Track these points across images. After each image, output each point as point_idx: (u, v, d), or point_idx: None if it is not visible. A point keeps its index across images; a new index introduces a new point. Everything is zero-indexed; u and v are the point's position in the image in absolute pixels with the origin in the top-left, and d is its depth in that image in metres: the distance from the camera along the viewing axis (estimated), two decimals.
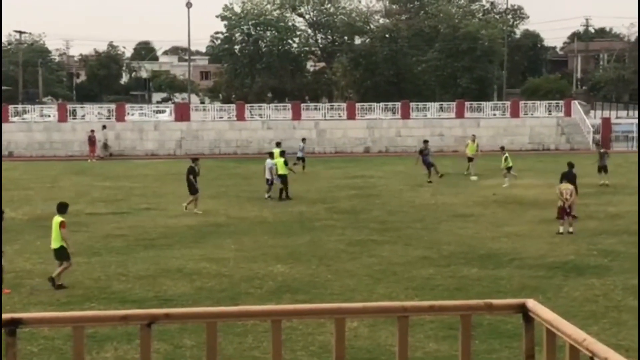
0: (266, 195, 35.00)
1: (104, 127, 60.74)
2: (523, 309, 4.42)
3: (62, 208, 19.98)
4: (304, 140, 52.55)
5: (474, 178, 41.97)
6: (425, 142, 44.77)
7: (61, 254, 19.28)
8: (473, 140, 46.58)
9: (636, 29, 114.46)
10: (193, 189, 31.47)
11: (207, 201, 34.01)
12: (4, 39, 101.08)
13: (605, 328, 15.67)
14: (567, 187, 26.36)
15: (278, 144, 44.62)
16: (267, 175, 35.40)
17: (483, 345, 14.08)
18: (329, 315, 4.60)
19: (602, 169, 40.47)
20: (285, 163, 35.76)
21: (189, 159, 34.78)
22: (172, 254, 23.20)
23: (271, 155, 37.62)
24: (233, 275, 20.49)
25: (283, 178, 35.18)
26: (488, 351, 13.94)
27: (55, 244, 19.42)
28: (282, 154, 37.39)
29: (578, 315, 16.18)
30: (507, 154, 41.37)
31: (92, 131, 58.75)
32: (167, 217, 30.20)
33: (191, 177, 31.72)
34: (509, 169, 40.40)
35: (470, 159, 44.90)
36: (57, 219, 19.49)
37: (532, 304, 4.41)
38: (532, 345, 4.45)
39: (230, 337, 14.61)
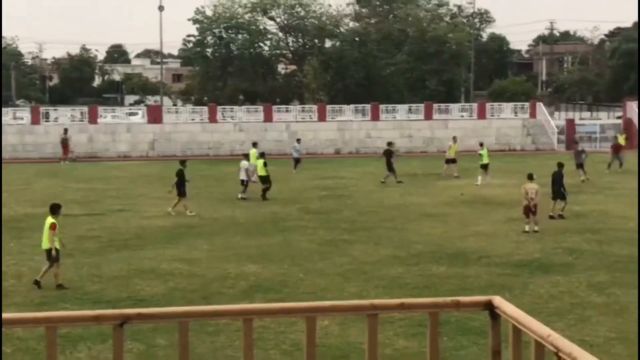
0: (239, 196, 34.93)
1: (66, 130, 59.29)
2: (489, 306, 4.43)
3: (54, 209, 19.86)
4: (298, 140, 52.37)
5: (483, 181, 40.47)
6: (390, 144, 44.15)
7: (50, 255, 19.16)
8: (455, 142, 46.42)
9: (600, 32, 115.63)
10: (182, 191, 31.26)
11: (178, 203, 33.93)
12: None
13: (570, 324, 15.78)
14: (532, 186, 26.52)
15: (254, 145, 44.52)
16: (242, 177, 35.33)
17: (451, 342, 14.15)
18: (300, 314, 4.60)
19: (579, 166, 40.98)
20: (265, 164, 35.64)
21: (178, 161, 34.43)
22: (145, 254, 23.09)
23: (246, 156, 37.57)
24: (205, 275, 20.44)
25: (263, 179, 35.11)
26: (456, 348, 14.01)
27: (45, 244, 19.33)
28: (262, 155, 37.48)
29: (543, 312, 16.29)
30: (486, 149, 41.76)
31: (65, 133, 58.27)
32: (141, 219, 30.06)
33: (178, 179, 31.40)
34: (484, 166, 40.57)
35: (452, 161, 44.46)
36: (49, 220, 19.41)
37: (498, 301, 4.43)
38: (498, 341, 4.47)
39: (203, 336, 14.59)
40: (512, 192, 33.11)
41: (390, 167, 41.18)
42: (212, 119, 64.37)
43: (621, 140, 50.17)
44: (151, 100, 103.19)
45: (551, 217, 28.69)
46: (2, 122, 61.62)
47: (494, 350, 4.49)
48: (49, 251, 19.21)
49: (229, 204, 33.73)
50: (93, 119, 63.80)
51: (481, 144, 43.38)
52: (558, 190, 29.33)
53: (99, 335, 13.92)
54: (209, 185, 41.15)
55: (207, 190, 38.62)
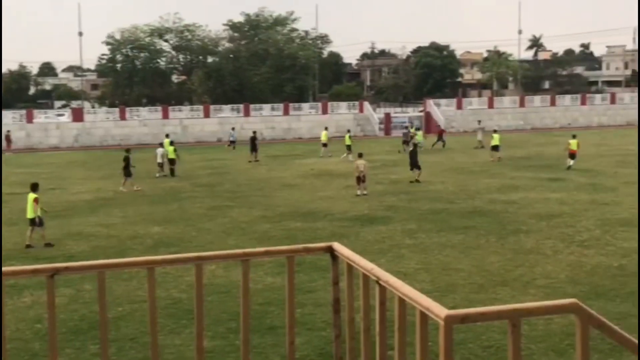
0: (157, 175, 34.25)
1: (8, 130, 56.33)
2: (330, 250, 4.50)
3: (34, 187, 19.60)
4: (233, 129, 55.09)
5: (344, 156, 40.80)
6: (254, 132, 44.96)
7: (34, 222, 18.91)
8: (326, 129, 47.24)
9: (406, 50, 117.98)
10: (127, 172, 30.36)
11: (98, 182, 32.93)
12: None
13: (390, 260, 16.17)
14: (361, 162, 26.95)
15: (167, 136, 44.14)
16: (159, 160, 34.60)
17: (306, 276, 14.29)
18: (190, 262, 4.56)
19: (405, 142, 44.63)
20: (175, 150, 35.52)
21: (124, 150, 33.51)
22: (73, 222, 22.35)
23: (161, 144, 36.92)
24: (120, 236, 19.95)
25: (172, 161, 34.83)
26: (310, 281, 14.16)
27: (30, 214, 19.10)
28: (172, 143, 37.74)
29: (371, 252, 16.63)
30: (351, 134, 42.55)
31: (9, 131, 55.68)
32: (69, 195, 29.03)
33: (125, 163, 30.63)
34: (349, 147, 41.01)
35: (324, 145, 44.97)
36: (32, 195, 19.22)
37: (336, 246, 4.49)
38: (337, 274, 4.55)
39: (119, 282, 14.27)
40: (348, 166, 33.61)
41: (254, 149, 42.00)
42: (122, 117, 62.73)
43: (418, 135, 51.51)
44: (75, 104, 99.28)
45: (411, 182, 29.62)
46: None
47: (334, 282, 4.57)
48: (32, 220, 18.95)
49: (136, 181, 32.90)
50: (30, 119, 61.07)
51: (348, 131, 44.19)
52: (415, 163, 30.39)
53: (38, 284, 13.40)
54: (121, 167, 40.03)
55: (120, 171, 37.58)
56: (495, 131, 42.24)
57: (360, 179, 26.67)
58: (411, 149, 31.90)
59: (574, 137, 34.98)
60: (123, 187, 29.86)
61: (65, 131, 60.76)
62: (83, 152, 53.08)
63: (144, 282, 14.89)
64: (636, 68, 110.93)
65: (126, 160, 30.61)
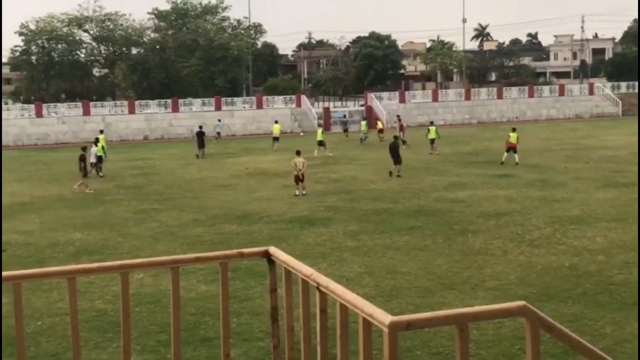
0: (100, 175, 33.97)
1: None
2: (267, 255, 4.49)
3: None
4: (219, 120, 57.66)
5: (320, 153, 40.92)
6: (200, 126, 46.49)
7: None
8: (277, 123, 49.77)
9: (345, 40, 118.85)
10: (84, 173, 30.07)
11: (13, 185, 32.11)
12: None
13: (331, 264, 16.25)
14: (300, 160, 26.97)
15: (101, 132, 45.48)
16: (92, 160, 33.49)
17: (242, 283, 14.25)
18: (114, 271, 4.48)
19: (345, 131, 49.62)
20: (102, 147, 35.81)
21: (80, 147, 32.79)
22: None
23: (96, 142, 36.06)
24: (38, 244, 19.52)
25: (100, 159, 34.68)
26: (246, 288, 14.13)
27: None
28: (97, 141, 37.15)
29: (312, 256, 16.69)
30: (321, 130, 43.57)
31: None
32: None
33: (82, 163, 30.17)
34: (321, 142, 41.21)
35: (276, 138, 47.00)
36: None
37: (273, 250, 4.48)
38: (274, 280, 4.54)
39: (39, 294, 13.97)
40: (284, 165, 33.60)
41: (202, 145, 43.25)
42: (39, 114, 61.33)
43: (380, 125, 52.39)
44: None
45: (390, 174, 30.52)
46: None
47: (271, 288, 4.56)
48: None
49: (56, 184, 32.26)
50: None
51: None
52: (396, 157, 30.98)
53: None
54: (38, 169, 39.23)
55: (37, 174, 36.80)
56: (431, 123, 43.69)
57: (298, 178, 26.70)
58: (392, 142, 32.34)
59: (513, 130, 36.15)
60: (77, 187, 29.59)
61: None
62: None
63: (65, 294, 14.50)
64: (585, 58, 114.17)
65: (82, 158, 30.34)
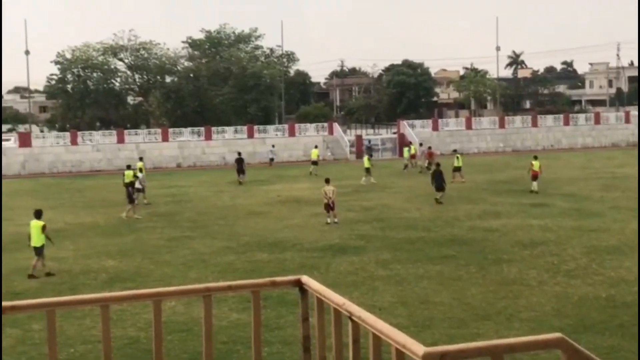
0: (145, 202, 33.89)
1: None
2: (299, 284, 4.49)
3: (39, 214, 20.26)
4: (273, 146, 59.70)
5: (366, 180, 41.02)
6: (239, 153, 47.45)
7: (40, 250, 19.46)
8: (316, 147, 51.74)
9: (378, 68, 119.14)
10: (130, 199, 30.51)
11: (47, 212, 32.43)
12: None
13: (363, 293, 16.18)
14: (330, 188, 27.05)
15: (141, 159, 46.74)
16: (138, 186, 33.84)
17: (274, 312, 14.23)
18: (147, 299, 4.51)
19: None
20: (134, 174, 35.70)
21: (128, 170, 33.69)
22: (20, 256, 21.99)
23: (140, 169, 37.56)
24: (72, 270, 19.72)
25: (132, 185, 34.57)
26: (277, 317, 14.10)
27: (35, 242, 19.53)
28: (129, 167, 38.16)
29: (343, 285, 16.62)
30: (367, 157, 43.75)
31: None
32: (15, 226, 28.57)
33: (128, 189, 30.97)
34: (368, 169, 41.41)
35: (315, 162, 48.95)
36: (38, 223, 19.83)
37: (305, 279, 4.49)
38: (306, 310, 4.54)
39: (72, 320, 14.08)
40: (316, 192, 33.59)
41: (241, 170, 43.79)
42: (74, 142, 62.24)
43: (413, 150, 52.16)
44: (21, 128, 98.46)
45: (436, 200, 30.68)
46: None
47: (303, 317, 4.55)
48: (38, 248, 19.42)
49: (89, 211, 32.62)
50: None
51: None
52: (439, 184, 31.22)
53: None
54: (72, 196, 39.70)
55: (71, 201, 37.24)
56: (454, 151, 43.81)
57: (329, 206, 26.70)
58: (433, 169, 32.54)
59: (535, 158, 36.04)
60: (125, 214, 29.96)
61: (11, 157, 59.96)
62: (31, 180, 52.47)
63: (98, 321, 14.67)
64: (621, 86, 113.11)
65: (128, 185, 30.72)
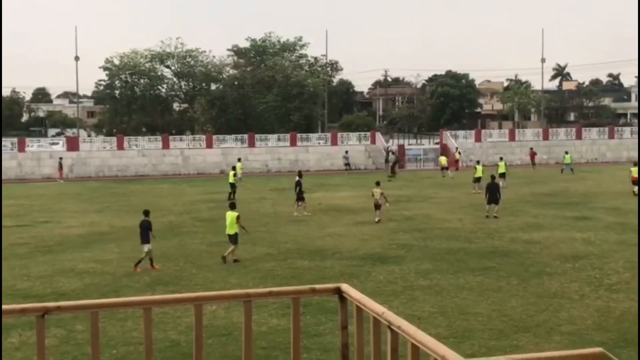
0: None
1: None
2: (338, 292, 4.49)
3: (233, 206, 22.74)
4: (346, 152, 60.72)
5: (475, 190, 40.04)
6: (300, 173, 43.31)
7: (234, 238, 21.50)
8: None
9: (422, 78, 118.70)
10: (300, 197, 32.18)
11: (92, 215, 33.00)
12: None
13: (403, 302, 16.09)
14: (377, 190, 29.55)
15: (239, 160, 50.07)
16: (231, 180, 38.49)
17: (313, 319, 14.23)
18: (189, 303, 4.55)
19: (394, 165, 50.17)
20: (235, 174, 39.99)
21: (296, 174, 35.84)
22: (65, 257, 22.38)
23: (233, 168, 41.86)
24: (115, 273, 19.96)
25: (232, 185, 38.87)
26: (316, 324, 14.10)
27: (230, 231, 21.65)
28: (234, 168, 41.91)
29: (383, 294, 16.56)
30: (481, 166, 41.54)
31: (61, 158, 58.98)
32: (62, 228, 29.12)
33: (297, 187, 32.37)
34: (477, 179, 40.10)
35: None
36: (234, 213, 21.85)
37: (345, 287, 4.48)
38: (345, 317, 4.53)
39: (114, 322, 14.25)
40: (358, 201, 33.60)
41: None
42: (120, 147, 63.12)
43: (443, 161, 51.79)
44: (70, 132, 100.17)
45: (487, 217, 29.78)
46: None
47: (342, 325, 4.55)
48: (233, 236, 21.53)
49: (134, 215, 32.93)
50: (22, 148, 61.60)
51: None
52: (493, 197, 30.24)
53: (28, 324, 13.41)
54: (117, 200, 40.23)
55: (116, 204, 37.74)
56: (477, 162, 42.91)
57: (377, 206, 29.14)
58: (490, 181, 31.34)
59: (635, 164, 37.72)
60: (297, 212, 31.72)
61: (56, 161, 61.09)
62: (77, 183, 53.28)
63: (140, 323, 14.82)
64: None
65: (298, 184, 32.24)
